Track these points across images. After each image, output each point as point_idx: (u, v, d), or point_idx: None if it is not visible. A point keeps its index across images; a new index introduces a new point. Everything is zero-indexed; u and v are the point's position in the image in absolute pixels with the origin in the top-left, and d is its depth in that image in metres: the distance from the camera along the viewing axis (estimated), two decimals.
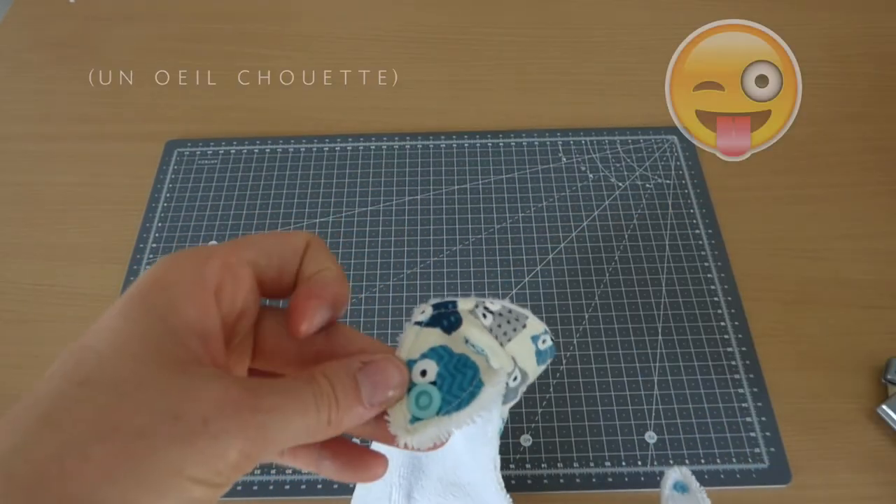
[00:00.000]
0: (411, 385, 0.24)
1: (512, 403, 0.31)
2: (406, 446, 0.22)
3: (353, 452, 0.25)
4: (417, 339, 0.25)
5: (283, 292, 0.25)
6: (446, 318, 0.26)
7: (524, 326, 0.29)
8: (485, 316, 0.27)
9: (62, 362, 0.19)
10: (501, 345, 0.28)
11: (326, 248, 0.25)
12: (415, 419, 0.23)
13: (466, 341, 0.26)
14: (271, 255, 0.24)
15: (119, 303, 0.21)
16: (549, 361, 0.31)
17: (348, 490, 0.44)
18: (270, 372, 0.25)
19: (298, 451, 0.25)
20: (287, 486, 0.44)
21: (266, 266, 0.24)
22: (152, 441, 0.18)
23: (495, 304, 0.28)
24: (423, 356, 0.24)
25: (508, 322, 0.29)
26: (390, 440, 0.23)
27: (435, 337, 0.25)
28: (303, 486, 0.44)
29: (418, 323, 0.26)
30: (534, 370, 0.30)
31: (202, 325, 0.21)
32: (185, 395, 0.19)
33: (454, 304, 0.27)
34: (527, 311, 0.29)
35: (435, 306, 0.26)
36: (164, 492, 0.18)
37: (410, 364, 0.24)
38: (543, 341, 0.30)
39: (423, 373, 0.24)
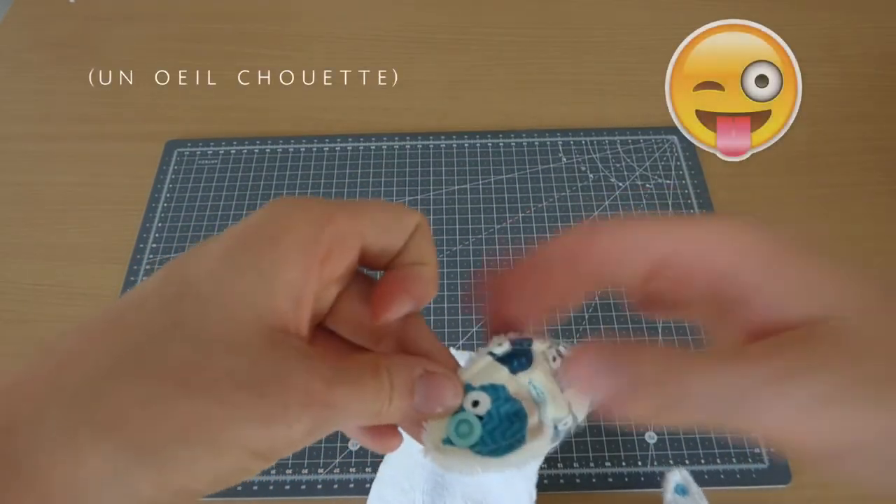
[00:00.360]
0: (460, 408, 0.24)
1: (558, 443, 0.31)
2: (430, 459, 0.23)
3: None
4: (484, 370, 0.25)
5: (379, 265, 0.24)
6: (518, 359, 0.25)
7: None
8: (554, 359, 0.27)
9: (161, 285, 0.20)
10: (561, 390, 0.28)
11: (431, 236, 0.25)
12: (448, 441, 0.23)
13: (530, 382, 0.25)
14: (382, 230, 0.23)
15: (226, 239, 0.21)
16: None
17: (348, 490, 0.44)
18: (335, 333, 0.25)
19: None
20: (287, 487, 0.44)
21: (374, 241, 0.23)
22: (233, 412, 0.18)
23: (566, 350, 0.28)
24: (483, 387, 0.24)
25: None
26: (418, 440, 0.24)
27: (500, 375, 0.25)
28: (303, 487, 0.44)
29: (492, 353, 0.25)
30: (583, 415, 0.30)
31: (300, 291, 0.21)
32: (274, 374, 0.19)
33: (531, 342, 0.26)
34: None
35: (513, 342, 0.26)
36: (226, 457, 0.18)
37: (468, 388, 0.24)
38: None
39: (476, 403, 0.24)
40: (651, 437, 0.45)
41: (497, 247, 0.55)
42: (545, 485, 0.44)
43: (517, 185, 0.59)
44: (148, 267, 0.54)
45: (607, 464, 0.44)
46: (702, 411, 0.20)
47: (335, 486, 0.44)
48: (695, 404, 0.20)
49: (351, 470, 0.45)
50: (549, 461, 0.45)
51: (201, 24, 0.73)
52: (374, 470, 0.44)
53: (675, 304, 0.24)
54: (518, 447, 0.23)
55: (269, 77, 0.68)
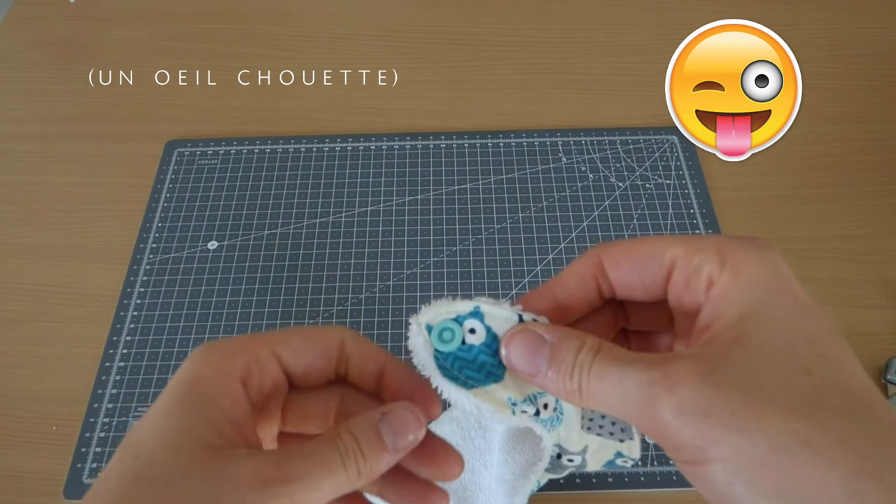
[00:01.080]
0: (457, 319, 0.25)
1: (554, 475, 0.31)
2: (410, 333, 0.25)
3: (416, 486, 0.27)
4: (504, 320, 0.25)
5: (318, 382, 0.27)
6: None
7: (621, 441, 0.28)
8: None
9: (119, 458, 0.22)
10: (587, 430, 0.28)
11: (366, 342, 0.27)
12: (436, 352, 0.25)
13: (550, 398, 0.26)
14: (300, 353, 0.26)
15: (162, 399, 0.23)
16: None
17: None
18: (299, 434, 0.28)
19: (353, 498, 0.27)
20: None
21: (294, 362, 0.26)
22: None
23: None
24: (487, 327, 0.25)
25: (613, 424, 0.28)
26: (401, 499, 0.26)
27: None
28: None
29: (521, 317, 0.26)
30: (595, 467, 0.30)
31: (234, 413, 0.23)
32: (225, 478, 0.21)
33: None
34: (636, 434, 0.29)
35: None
36: None
37: (475, 313, 0.25)
38: (624, 461, 0.30)
39: (472, 331, 0.25)
40: (651, 437, 0.45)
41: (497, 247, 0.55)
42: (545, 485, 0.44)
43: (517, 185, 0.59)
44: (148, 267, 0.54)
45: None
46: (598, 404, 0.23)
47: None
48: (592, 398, 0.23)
49: None
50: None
51: (201, 24, 0.73)
52: None
53: (695, 309, 0.25)
54: (489, 388, 0.25)
55: (269, 77, 0.68)
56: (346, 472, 0.23)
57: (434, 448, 0.26)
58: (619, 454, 0.29)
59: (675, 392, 0.21)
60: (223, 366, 0.24)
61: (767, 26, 0.72)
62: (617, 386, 0.22)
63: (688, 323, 0.25)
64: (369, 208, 0.57)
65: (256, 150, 0.61)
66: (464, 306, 0.25)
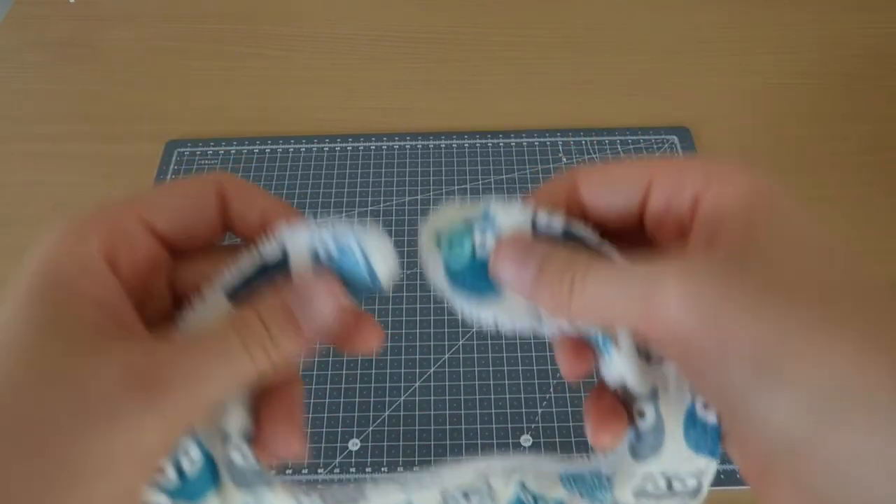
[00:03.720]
0: (469, 227, 0.23)
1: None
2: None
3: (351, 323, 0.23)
4: (514, 225, 0.23)
5: (206, 243, 0.24)
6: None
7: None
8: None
9: None
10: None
11: (247, 186, 0.24)
12: (446, 263, 0.23)
13: None
14: (173, 214, 0.22)
15: (11, 297, 0.20)
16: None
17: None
18: None
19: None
20: None
21: (168, 226, 0.22)
22: (56, 438, 0.17)
23: None
24: (496, 235, 0.23)
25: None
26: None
27: None
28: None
29: (535, 222, 0.23)
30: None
31: (102, 297, 0.20)
32: (87, 379, 0.18)
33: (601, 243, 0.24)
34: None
35: (569, 225, 0.24)
36: (78, 487, 0.17)
37: (485, 216, 0.23)
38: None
39: (483, 236, 0.23)
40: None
41: None
42: None
43: (517, 186, 0.59)
44: None
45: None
46: (590, 308, 0.21)
47: (335, 486, 0.44)
48: (584, 299, 0.21)
49: (351, 470, 0.45)
50: None
51: (201, 24, 0.73)
52: (375, 470, 0.44)
53: (678, 234, 0.23)
54: (481, 301, 0.23)
55: (269, 77, 0.68)
56: (249, 358, 0.20)
57: (292, 413, 0.23)
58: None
59: (686, 276, 0.19)
60: (80, 247, 0.20)
61: (767, 26, 0.72)
62: (615, 280, 0.20)
63: (672, 247, 0.23)
64: (369, 208, 0.57)
65: (256, 150, 0.62)
66: (474, 211, 0.23)
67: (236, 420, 0.22)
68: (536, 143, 0.61)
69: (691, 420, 0.23)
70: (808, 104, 0.64)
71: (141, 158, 0.61)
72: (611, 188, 0.24)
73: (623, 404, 0.24)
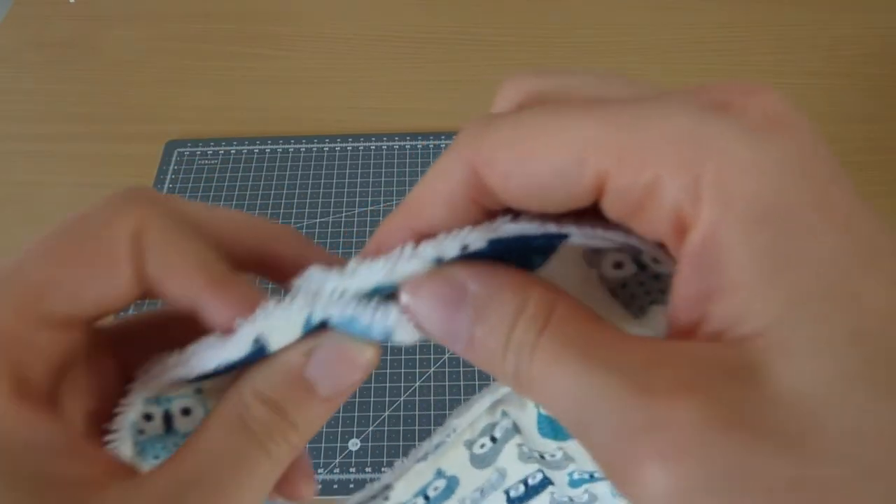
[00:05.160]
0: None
1: None
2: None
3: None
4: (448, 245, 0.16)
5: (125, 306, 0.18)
6: (537, 255, 0.16)
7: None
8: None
9: None
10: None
11: (176, 236, 0.17)
12: None
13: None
14: (76, 298, 0.17)
15: None
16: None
17: (348, 490, 0.44)
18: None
19: None
20: None
21: (76, 310, 0.17)
22: None
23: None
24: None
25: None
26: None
27: None
28: None
29: (493, 239, 0.16)
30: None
31: (44, 468, 0.15)
32: None
33: (563, 237, 0.16)
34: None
35: (541, 227, 0.16)
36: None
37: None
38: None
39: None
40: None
41: None
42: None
43: None
44: None
45: None
46: (544, 402, 0.14)
47: (335, 485, 0.44)
48: (534, 391, 0.14)
49: (351, 470, 0.45)
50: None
51: (201, 24, 0.73)
52: (375, 470, 0.44)
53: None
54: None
55: (269, 77, 0.68)
56: (269, 460, 0.16)
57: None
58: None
59: (668, 458, 0.12)
60: (105, 249, 0.17)
61: (767, 26, 0.72)
62: (575, 390, 0.13)
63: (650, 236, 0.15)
64: (369, 208, 0.57)
65: (256, 150, 0.61)
66: (291, 321, 0.17)
67: None
68: None
69: None
70: (807, 104, 0.64)
71: (141, 158, 0.61)
72: (535, 189, 0.15)
73: None
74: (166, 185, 0.59)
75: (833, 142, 0.66)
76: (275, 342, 0.17)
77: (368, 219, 0.57)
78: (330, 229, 0.56)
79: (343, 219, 0.57)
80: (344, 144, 0.62)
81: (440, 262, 0.16)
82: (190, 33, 0.72)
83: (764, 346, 0.12)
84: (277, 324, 0.16)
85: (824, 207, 0.13)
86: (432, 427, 0.46)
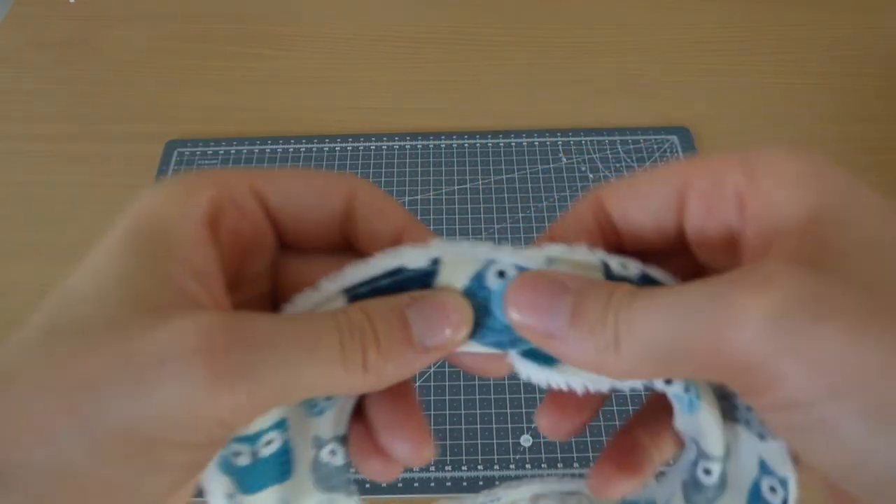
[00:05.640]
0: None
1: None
2: None
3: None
4: (576, 264, 0.19)
5: (319, 244, 0.21)
6: None
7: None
8: None
9: (43, 306, 0.17)
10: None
11: (384, 196, 0.21)
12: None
13: None
14: (291, 195, 0.20)
15: (106, 241, 0.18)
16: None
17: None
18: None
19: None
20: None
21: (282, 206, 0.20)
22: (98, 392, 0.15)
23: None
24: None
25: None
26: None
27: None
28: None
29: (607, 264, 0.19)
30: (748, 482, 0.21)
31: (196, 263, 0.17)
32: (147, 334, 0.15)
33: None
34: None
35: (645, 271, 0.19)
36: (120, 456, 0.15)
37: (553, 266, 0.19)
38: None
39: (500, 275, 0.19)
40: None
41: None
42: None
43: (517, 185, 0.59)
44: None
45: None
46: (642, 354, 0.16)
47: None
48: (633, 344, 0.16)
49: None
50: (550, 461, 0.44)
51: (201, 24, 0.73)
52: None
53: (728, 242, 0.19)
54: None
55: (269, 77, 0.68)
56: (343, 357, 0.17)
57: (409, 412, 0.20)
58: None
59: (768, 288, 0.14)
60: (184, 202, 0.18)
61: (768, 26, 0.72)
62: (671, 312, 0.16)
63: (726, 265, 0.18)
64: None
65: (256, 150, 0.62)
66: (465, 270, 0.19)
67: (332, 426, 0.21)
68: (536, 143, 0.61)
69: (755, 498, 0.20)
70: (808, 104, 0.64)
71: (141, 158, 0.61)
72: (640, 202, 0.20)
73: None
74: None
75: (833, 142, 0.67)
76: (446, 273, 0.19)
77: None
78: None
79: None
80: (344, 144, 0.62)
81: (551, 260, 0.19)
82: (190, 33, 0.72)
83: (819, 235, 0.16)
84: (461, 255, 0.19)
85: (844, 176, 0.18)
86: (432, 427, 0.46)
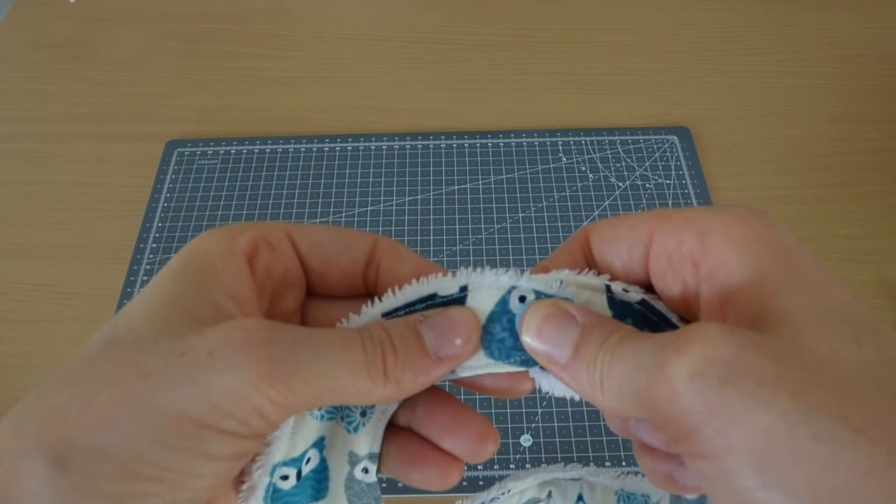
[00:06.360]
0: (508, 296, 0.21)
1: None
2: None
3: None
4: (580, 292, 0.21)
5: (343, 290, 0.23)
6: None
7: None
8: None
9: (101, 329, 0.19)
10: None
11: (401, 246, 0.23)
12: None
13: None
14: (319, 243, 0.22)
15: (158, 274, 0.20)
16: None
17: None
18: None
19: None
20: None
21: (311, 251, 0.22)
22: (154, 382, 0.17)
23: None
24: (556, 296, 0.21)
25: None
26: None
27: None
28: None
29: (610, 287, 0.21)
30: None
31: (236, 290, 0.20)
32: (196, 335, 0.18)
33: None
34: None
35: (648, 304, 0.21)
36: (172, 440, 0.17)
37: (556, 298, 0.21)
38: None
39: (523, 299, 0.21)
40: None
41: (497, 247, 0.55)
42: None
43: (517, 185, 0.59)
44: (148, 267, 0.54)
45: (608, 464, 0.44)
46: (614, 395, 0.19)
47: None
48: (610, 387, 0.19)
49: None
50: (550, 461, 0.44)
51: (201, 24, 0.73)
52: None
53: (684, 294, 0.21)
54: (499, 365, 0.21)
55: (268, 77, 0.68)
56: (366, 362, 0.19)
57: (462, 412, 0.22)
58: None
59: (688, 351, 0.16)
60: (227, 241, 0.21)
61: (768, 26, 0.72)
62: (632, 360, 0.18)
63: (688, 315, 0.21)
64: (369, 208, 0.57)
65: (256, 150, 0.61)
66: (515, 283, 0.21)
67: (368, 442, 0.22)
68: (536, 143, 0.61)
69: None
70: (808, 104, 0.64)
71: (141, 158, 0.61)
72: (614, 247, 0.22)
73: None
74: (166, 185, 0.59)
75: (834, 142, 0.67)
76: (474, 298, 0.21)
77: (368, 219, 0.57)
78: None
79: (343, 219, 0.57)
80: (344, 144, 0.62)
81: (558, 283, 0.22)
82: (190, 33, 0.72)
83: (760, 311, 0.17)
84: (486, 282, 0.21)
85: (788, 242, 0.19)
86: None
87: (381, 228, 0.56)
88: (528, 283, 0.21)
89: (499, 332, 0.21)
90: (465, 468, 0.44)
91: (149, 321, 0.19)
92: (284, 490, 0.21)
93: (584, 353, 0.19)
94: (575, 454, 0.45)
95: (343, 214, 0.57)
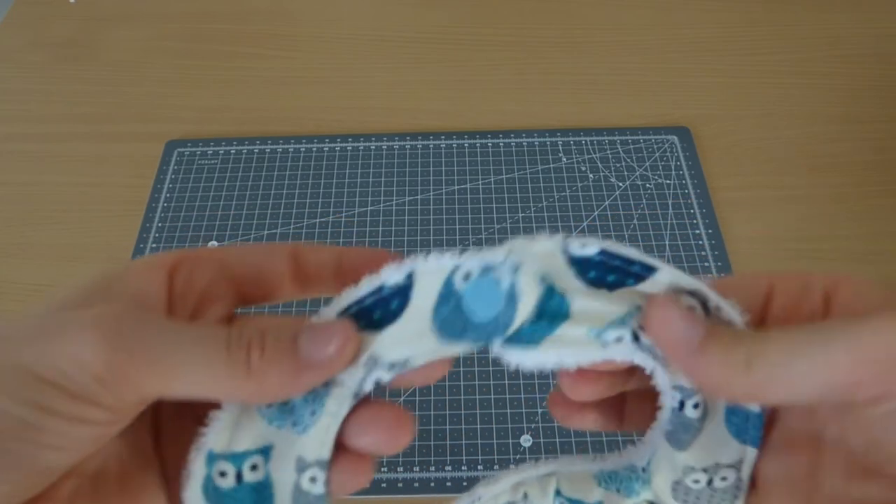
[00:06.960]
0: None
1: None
2: None
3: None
4: (537, 256, 0.21)
5: (275, 295, 0.24)
6: (611, 275, 0.21)
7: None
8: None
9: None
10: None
11: (321, 245, 0.25)
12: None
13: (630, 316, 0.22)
14: (245, 254, 0.23)
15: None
16: None
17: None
18: None
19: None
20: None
21: (238, 261, 0.23)
22: (10, 343, 0.19)
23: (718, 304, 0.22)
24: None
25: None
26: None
27: (565, 281, 0.21)
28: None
29: (568, 251, 0.21)
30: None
31: (143, 295, 0.21)
32: (70, 312, 0.19)
33: (649, 269, 0.21)
34: None
35: (607, 252, 0.21)
36: (13, 386, 0.18)
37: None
38: None
39: (467, 276, 0.21)
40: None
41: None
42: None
43: (517, 185, 0.59)
44: None
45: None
46: (780, 375, 0.19)
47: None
48: (766, 365, 0.19)
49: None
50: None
51: (201, 24, 0.73)
52: (374, 470, 0.44)
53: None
54: (537, 346, 0.21)
55: (268, 77, 0.68)
56: (226, 362, 0.19)
57: (381, 409, 0.22)
58: None
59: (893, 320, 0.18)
60: (149, 258, 0.22)
61: (768, 26, 0.72)
62: (805, 342, 0.19)
63: None
64: (369, 208, 0.57)
65: (256, 150, 0.61)
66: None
67: (317, 447, 0.21)
68: (536, 143, 0.61)
69: (731, 411, 0.23)
70: (808, 104, 0.64)
71: (141, 158, 0.61)
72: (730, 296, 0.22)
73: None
74: (166, 185, 0.59)
75: (834, 142, 0.67)
76: (420, 283, 0.21)
77: (368, 219, 0.57)
78: (330, 229, 0.56)
79: (343, 219, 0.57)
80: (344, 144, 0.62)
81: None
82: (190, 33, 0.72)
83: None
84: (430, 268, 0.21)
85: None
86: (432, 427, 0.46)
87: (381, 228, 0.56)
88: (471, 260, 0.20)
89: (448, 314, 0.20)
90: (464, 468, 0.44)
91: (31, 319, 0.20)
92: (223, 489, 0.20)
93: (720, 336, 0.20)
94: (575, 454, 0.45)
95: (343, 214, 0.57)
